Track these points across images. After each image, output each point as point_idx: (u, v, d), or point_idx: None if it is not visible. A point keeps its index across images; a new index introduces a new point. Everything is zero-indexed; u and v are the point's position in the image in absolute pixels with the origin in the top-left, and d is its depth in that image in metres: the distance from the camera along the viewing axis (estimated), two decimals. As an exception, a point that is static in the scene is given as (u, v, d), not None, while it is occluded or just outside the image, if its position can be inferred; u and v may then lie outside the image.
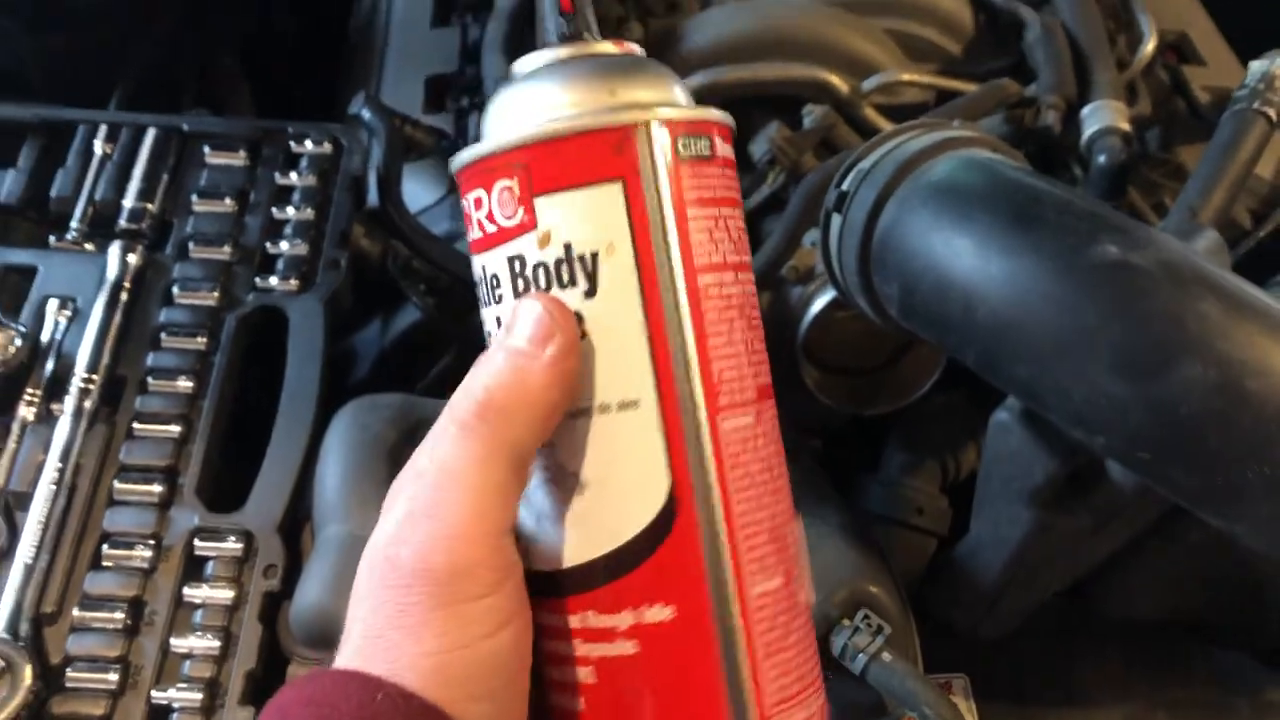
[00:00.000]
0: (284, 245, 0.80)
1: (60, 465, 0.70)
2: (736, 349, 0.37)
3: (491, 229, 0.37)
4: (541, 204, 0.36)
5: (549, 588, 0.38)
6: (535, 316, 0.35)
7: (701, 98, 0.96)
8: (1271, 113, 0.81)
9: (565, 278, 0.36)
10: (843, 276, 0.73)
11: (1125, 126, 0.90)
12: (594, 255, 0.36)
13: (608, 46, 0.40)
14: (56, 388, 0.73)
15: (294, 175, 0.83)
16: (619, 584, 0.36)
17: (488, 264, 0.38)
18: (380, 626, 0.35)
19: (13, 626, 0.65)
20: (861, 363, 0.92)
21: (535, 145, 0.36)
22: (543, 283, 0.36)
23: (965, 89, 0.97)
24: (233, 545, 0.69)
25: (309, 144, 0.84)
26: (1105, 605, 0.75)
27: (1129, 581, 0.74)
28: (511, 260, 0.37)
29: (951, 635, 0.75)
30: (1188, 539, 0.71)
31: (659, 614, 0.36)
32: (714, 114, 0.39)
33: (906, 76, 0.96)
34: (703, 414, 0.36)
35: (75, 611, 0.67)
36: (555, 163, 0.36)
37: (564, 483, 0.37)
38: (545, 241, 0.36)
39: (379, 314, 0.96)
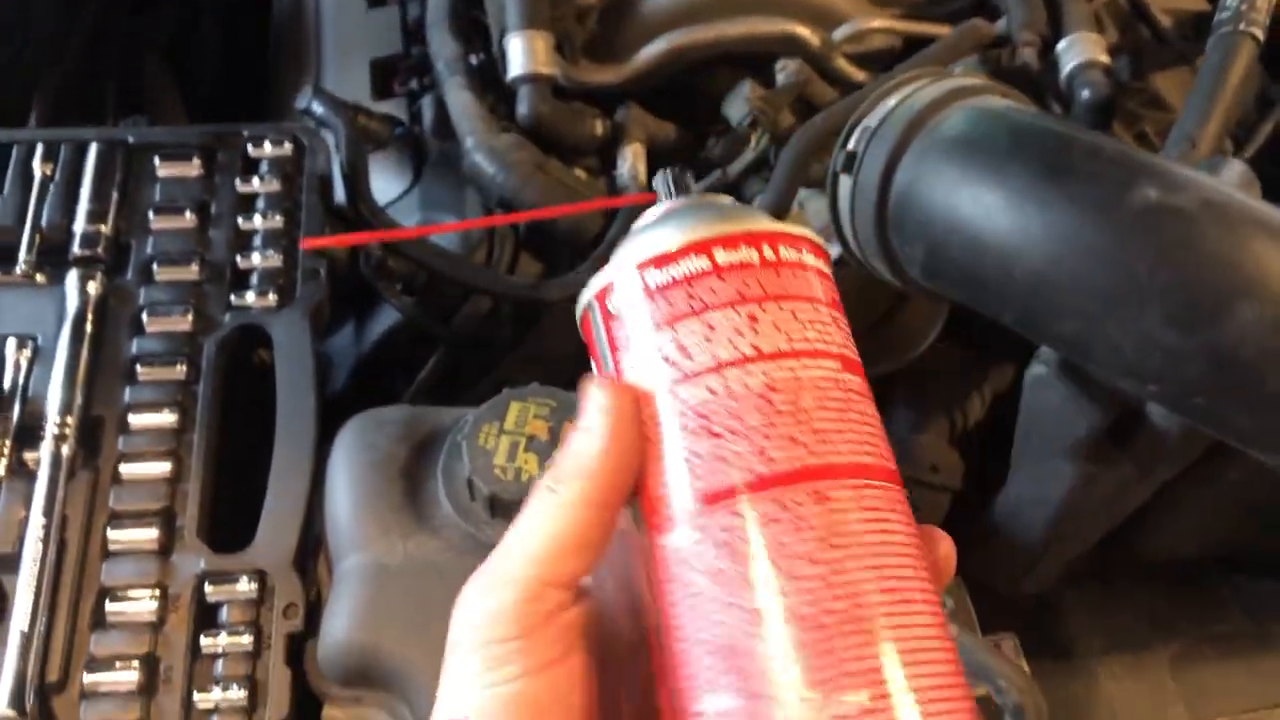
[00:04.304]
0: (255, 258, 0.75)
1: (45, 521, 0.64)
2: (674, 463, 0.36)
3: None
4: None
5: None
6: (592, 397, 0.38)
7: (666, 62, 0.93)
8: (1257, 32, 0.80)
9: None
10: (856, 239, 0.70)
11: (1105, 59, 0.89)
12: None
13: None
14: (27, 436, 0.67)
15: (255, 181, 0.77)
16: None
17: None
18: (444, 673, 0.37)
19: (17, 701, 0.60)
20: (858, 320, 0.89)
21: None
22: None
23: (934, 31, 0.94)
24: (246, 587, 0.64)
25: (268, 146, 0.78)
26: (1144, 548, 0.74)
27: (1168, 523, 0.73)
28: None
29: (992, 594, 0.74)
30: (1226, 477, 0.71)
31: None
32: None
33: (876, 23, 0.93)
34: (647, 534, 0.37)
35: (84, 677, 0.62)
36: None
37: None
38: None
39: (351, 319, 0.91)
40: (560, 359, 0.88)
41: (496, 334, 0.85)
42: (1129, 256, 0.55)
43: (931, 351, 0.89)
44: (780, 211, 0.83)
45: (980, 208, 0.60)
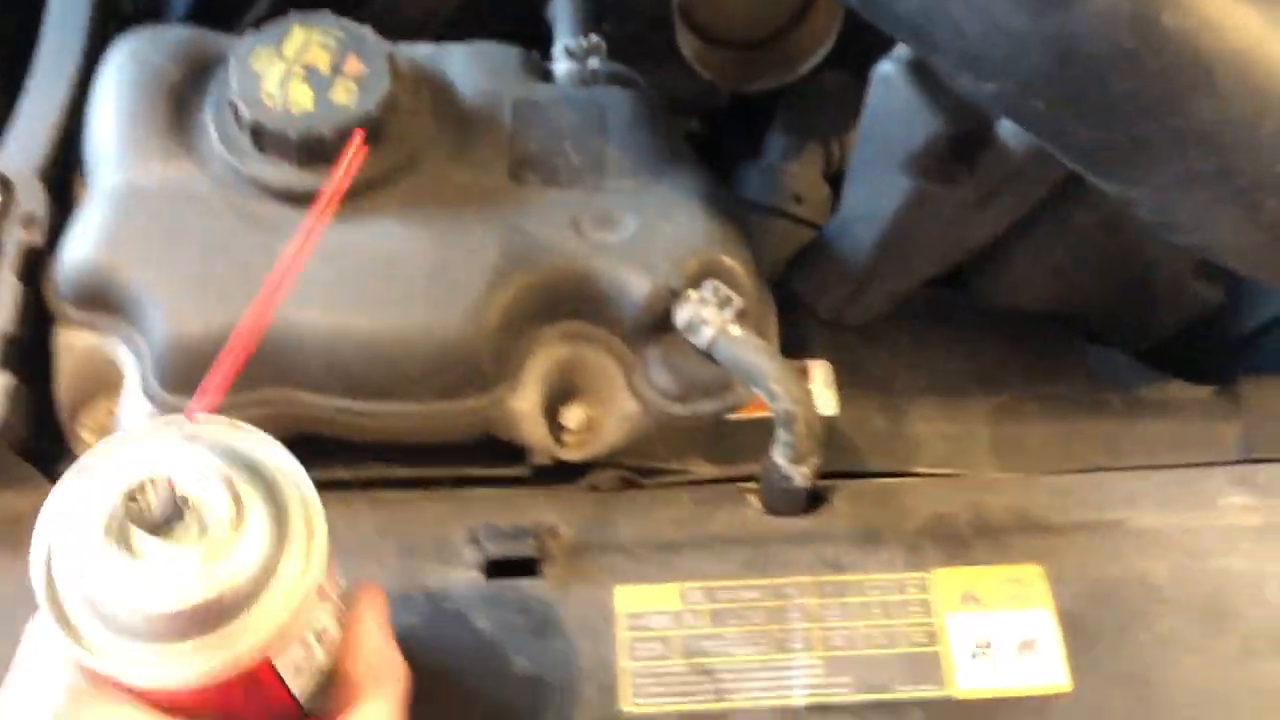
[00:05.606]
0: None
1: None
2: None
3: None
4: None
5: None
6: None
7: None
8: None
9: None
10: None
11: None
12: None
13: None
14: None
15: None
16: None
17: None
18: None
19: None
20: (748, 34, 0.82)
21: None
22: None
23: None
24: (-14, 193, 0.59)
25: None
26: (985, 292, 0.70)
27: (1011, 267, 0.68)
28: None
29: (816, 320, 0.69)
30: (1074, 221, 0.65)
31: None
32: None
33: None
34: None
35: None
36: None
37: None
38: None
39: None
40: (415, 18, 0.81)
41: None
42: (979, -82, 0.48)
43: (816, 81, 0.82)
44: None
45: None
